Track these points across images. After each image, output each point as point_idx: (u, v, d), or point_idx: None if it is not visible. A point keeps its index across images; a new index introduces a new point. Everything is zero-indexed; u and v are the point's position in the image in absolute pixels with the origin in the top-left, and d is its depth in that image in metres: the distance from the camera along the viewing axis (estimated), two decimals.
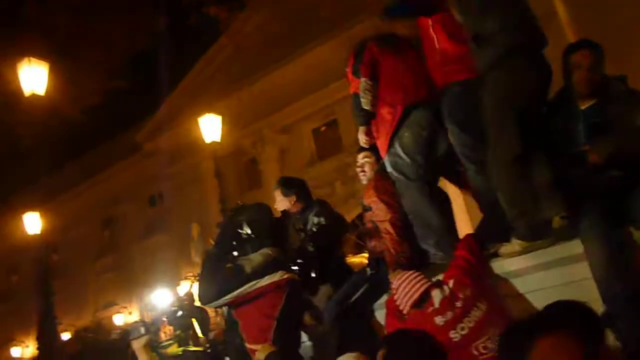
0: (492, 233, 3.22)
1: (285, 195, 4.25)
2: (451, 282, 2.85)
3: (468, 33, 3.14)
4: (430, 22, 3.37)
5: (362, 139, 3.68)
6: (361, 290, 3.54)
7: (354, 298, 3.51)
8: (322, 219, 4.06)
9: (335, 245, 4.23)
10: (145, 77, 17.21)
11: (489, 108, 3.01)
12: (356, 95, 3.58)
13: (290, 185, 4.34)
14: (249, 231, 3.13)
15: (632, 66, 3.09)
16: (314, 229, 4.02)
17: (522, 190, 2.92)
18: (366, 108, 3.53)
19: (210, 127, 11.53)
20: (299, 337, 3.19)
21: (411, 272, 3.02)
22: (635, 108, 2.84)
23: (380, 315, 3.46)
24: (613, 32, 7.23)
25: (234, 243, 3.11)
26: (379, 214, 3.51)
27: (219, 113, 11.88)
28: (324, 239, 3.95)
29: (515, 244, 2.91)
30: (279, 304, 2.88)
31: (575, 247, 2.63)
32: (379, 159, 3.72)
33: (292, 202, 4.18)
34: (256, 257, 2.97)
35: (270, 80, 15.00)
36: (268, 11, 14.77)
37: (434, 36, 3.36)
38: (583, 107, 2.95)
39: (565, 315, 1.54)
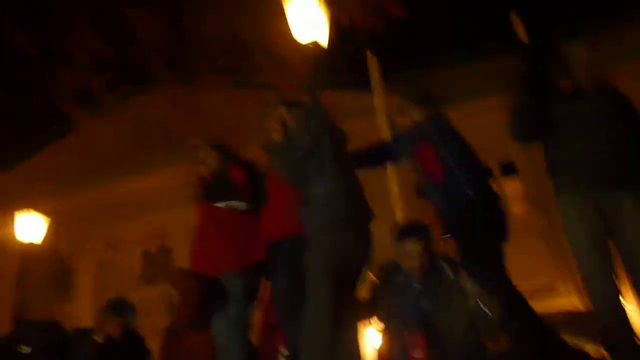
0: None
1: None
2: None
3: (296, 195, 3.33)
4: None
5: None
6: None
7: None
8: None
9: None
10: None
11: (312, 271, 3.10)
12: None
13: None
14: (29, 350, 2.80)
15: None
16: None
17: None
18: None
19: (28, 227, 10.44)
20: None
21: None
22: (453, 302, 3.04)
23: None
24: None
25: None
26: None
27: (43, 210, 10.93)
28: None
29: None
30: None
31: None
32: None
33: None
34: None
35: (108, 189, 14.36)
36: (125, 123, 14.60)
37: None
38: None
39: None
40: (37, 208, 10.88)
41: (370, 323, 3.50)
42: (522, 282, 3.62)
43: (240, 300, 3.51)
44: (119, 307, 4.19)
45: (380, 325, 3.32)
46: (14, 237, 10.56)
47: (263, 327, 3.69)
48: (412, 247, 3.21)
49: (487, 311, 3.00)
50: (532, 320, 3.28)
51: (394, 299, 3.19)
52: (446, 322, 2.99)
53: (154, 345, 4.47)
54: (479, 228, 3.38)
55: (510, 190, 12.83)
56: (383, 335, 3.22)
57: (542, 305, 6.54)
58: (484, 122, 11.58)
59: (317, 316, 2.96)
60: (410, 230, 3.35)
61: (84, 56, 9.89)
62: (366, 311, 3.36)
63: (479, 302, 3.02)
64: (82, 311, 13.44)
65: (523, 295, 3.44)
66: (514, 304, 3.18)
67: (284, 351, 3.38)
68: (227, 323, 3.48)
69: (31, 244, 10.42)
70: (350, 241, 3.17)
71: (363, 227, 3.29)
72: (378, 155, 3.94)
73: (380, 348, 3.20)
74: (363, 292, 3.38)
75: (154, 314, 13.19)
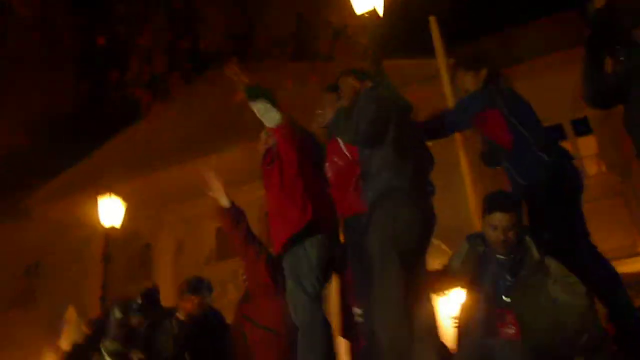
0: None
1: None
2: None
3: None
4: None
5: None
6: None
7: None
8: None
9: None
10: (51, 140, 16.29)
11: (371, 248, 3.05)
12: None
13: None
14: None
15: None
16: None
17: (401, 335, 2.89)
18: None
19: (109, 210, 10.94)
20: None
21: None
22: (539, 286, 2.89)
23: None
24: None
25: None
26: None
27: (121, 192, 11.42)
28: None
29: None
30: None
31: None
32: None
33: None
34: None
35: (181, 170, 14.83)
36: (192, 105, 14.96)
37: None
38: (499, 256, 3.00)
39: None
40: (116, 191, 11.36)
41: (445, 293, 3.45)
42: (601, 244, 3.48)
43: (314, 270, 3.48)
44: (197, 286, 4.34)
45: (460, 295, 3.25)
46: (97, 220, 11.08)
47: (339, 287, 3.68)
48: (500, 219, 2.93)
49: (572, 301, 2.82)
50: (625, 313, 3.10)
51: (476, 269, 3.06)
52: (528, 304, 2.85)
53: (229, 317, 4.61)
54: (553, 192, 3.23)
55: (585, 149, 12.28)
56: (463, 305, 3.14)
57: (622, 267, 6.30)
58: (554, 78, 11.09)
59: (385, 290, 2.90)
60: (498, 201, 3.03)
61: (150, 42, 10.19)
62: (440, 281, 3.31)
63: (565, 290, 2.84)
64: (163, 288, 14.04)
65: (614, 272, 3.29)
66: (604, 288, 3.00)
67: (358, 311, 3.40)
68: (299, 291, 3.46)
69: (113, 226, 10.90)
70: (409, 212, 3.08)
71: (422, 198, 3.18)
72: (443, 125, 3.83)
73: (459, 317, 3.14)
74: (435, 262, 3.34)
75: (229, 289, 13.73)
